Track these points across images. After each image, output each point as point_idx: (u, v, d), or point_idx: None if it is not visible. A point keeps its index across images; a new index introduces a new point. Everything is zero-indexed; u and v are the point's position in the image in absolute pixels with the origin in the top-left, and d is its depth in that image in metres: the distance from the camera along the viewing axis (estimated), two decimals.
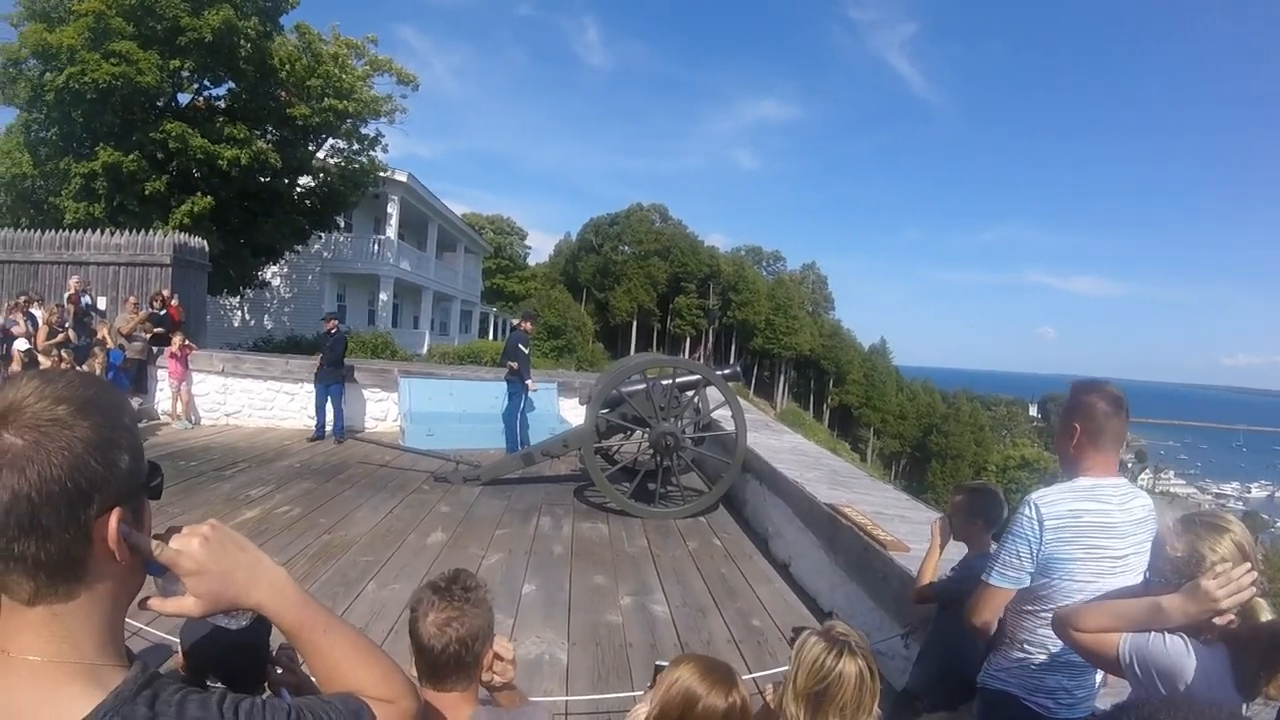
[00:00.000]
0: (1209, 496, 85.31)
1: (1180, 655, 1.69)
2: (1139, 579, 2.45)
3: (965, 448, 79.44)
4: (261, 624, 1.15)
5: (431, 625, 1.78)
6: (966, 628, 2.77)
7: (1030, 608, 2.54)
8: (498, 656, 1.94)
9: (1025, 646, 2.57)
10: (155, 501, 1.05)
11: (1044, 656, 2.52)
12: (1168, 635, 1.72)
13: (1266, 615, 1.68)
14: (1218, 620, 1.67)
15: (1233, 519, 1.79)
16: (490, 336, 48.62)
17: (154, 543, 1.01)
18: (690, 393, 8.92)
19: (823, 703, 2.04)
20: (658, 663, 2.32)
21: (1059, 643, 2.46)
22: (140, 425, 11.36)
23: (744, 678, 4.10)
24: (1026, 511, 2.46)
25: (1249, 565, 1.66)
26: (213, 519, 1.10)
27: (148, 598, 1.05)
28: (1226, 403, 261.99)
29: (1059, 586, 2.44)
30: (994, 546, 3.19)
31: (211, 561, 1.04)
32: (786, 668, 2.19)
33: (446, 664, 1.79)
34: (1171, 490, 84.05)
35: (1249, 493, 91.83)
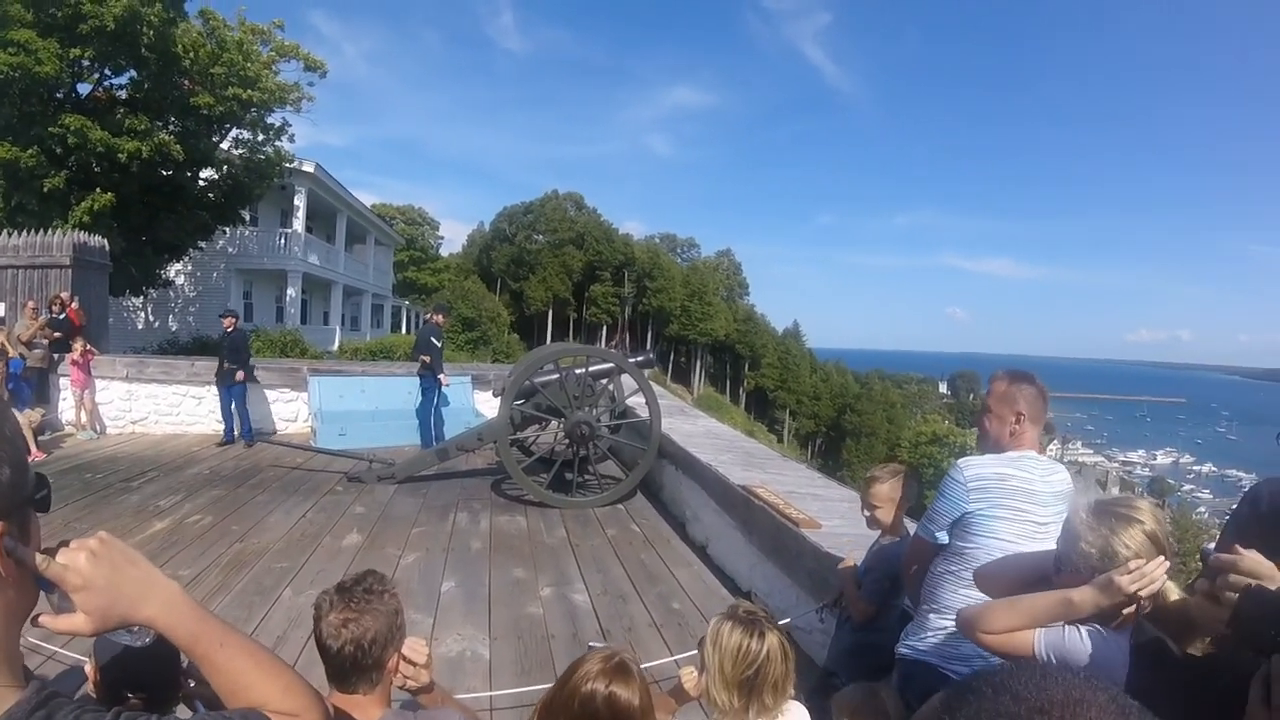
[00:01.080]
0: (1116, 464, 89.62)
1: (1099, 648, 1.71)
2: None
3: (878, 425, 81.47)
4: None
5: (328, 626, 1.78)
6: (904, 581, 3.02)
7: (954, 568, 2.67)
8: (407, 660, 1.94)
9: (943, 612, 2.67)
10: (44, 515, 1.02)
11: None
12: (1082, 629, 1.74)
13: (1175, 595, 1.71)
14: (1128, 610, 1.71)
15: (1144, 506, 1.78)
16: (403, 330, 47.70)
17: (39, 557, 0.97)
18: (604, 381, 8.95)
19: (755, 685, 2.07)
20: (591, 644, 2.33)
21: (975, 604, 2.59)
22: (45, 437, 10.90)
23: (665, 660, 4.17)
24: (953, 473, 2.65)
25: (1162, 558, 1.67)
26: (102, 532, 1.07)
27: (40, 615, 1.01)
28: (1130, 376, 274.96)
29: (983, 544, 2.56)
30: (909, 525, 3.33)
31: (99, 576, 1.01)
32: (695, 652, 2.21)
33: (344, 665, 1.79)
34: (1080, 460, 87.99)
35: (1154, 459, 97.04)
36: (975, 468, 2.61)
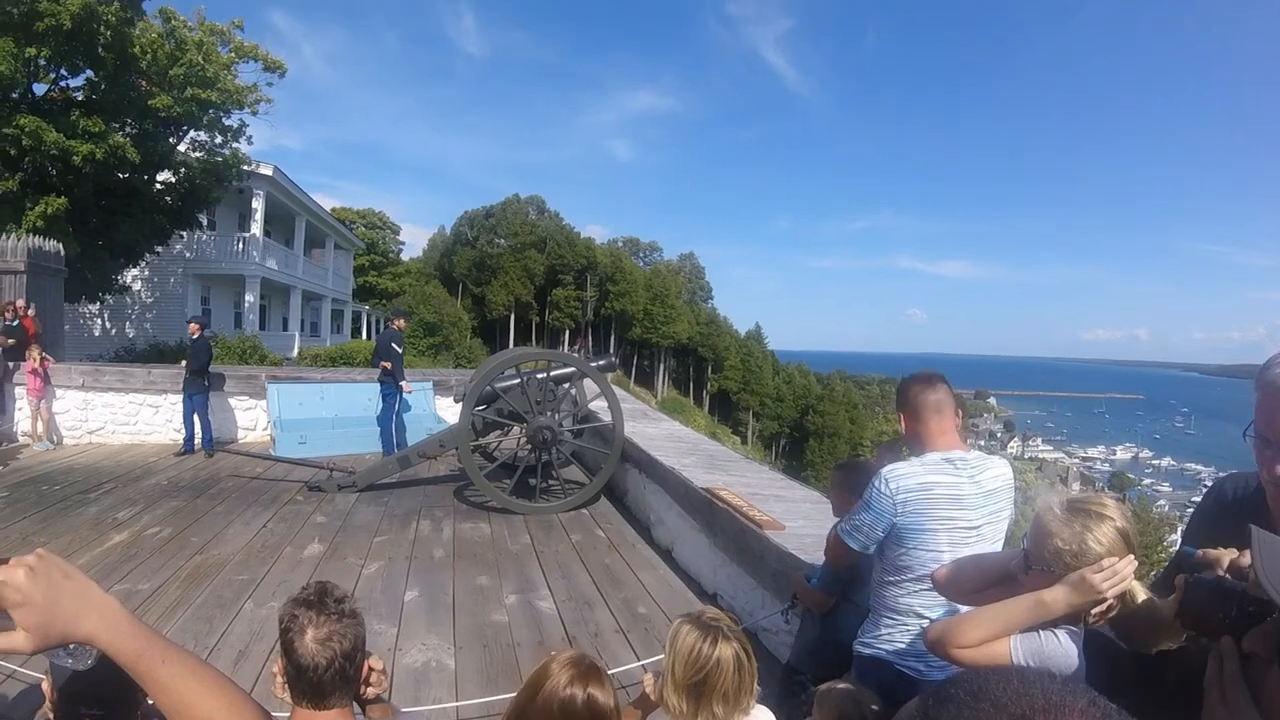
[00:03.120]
0: (1076, 460, 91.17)
1: (1076, 651, 1.69)
2: (993, 546, 2.60)
3: (841, 426, 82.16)
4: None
5: (312, 643, 1.72)
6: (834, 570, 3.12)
7: (892, 579, 2.70)
8: (370, 668, 1.92)
9: (893, 615, 2.70)
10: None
11: (912, 622, 2.65)
12: (1058, 632, 1.72)
13: (1143, 596, 1.69)
14: (1098, 609, 1.70)
15: (1112, 503, 1.78)
16: (363, 336, 47.27)
17: None
18: (566, 385, 8.92)
19: (704, 691, 2.06)
20: (555, 654, 2.32)
21: (925, 608, 2.61)
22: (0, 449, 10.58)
23: (632, 666, 4.15)
24: (879, 485, 2.64)
25: (1131, 557, 1.68)
26: (40, 548, 1.06)
27: None
28: (1088, 374, 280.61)
29: (916, 556, 2.60)
30: None
31: (37, 592, 0.99)
32: (663, 657, 2.20)
33: (330, 681, 1.73)
34: (1041, 456, 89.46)
35: (1114, 455, 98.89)
36: (899, 479, 2.62)
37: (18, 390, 11.56)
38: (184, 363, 11.41)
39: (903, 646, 2.67)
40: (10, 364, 11.40)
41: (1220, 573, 1.45)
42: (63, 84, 17.92)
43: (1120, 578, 1.67)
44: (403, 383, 11.10)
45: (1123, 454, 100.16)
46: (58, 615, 1.01)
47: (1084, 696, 0.69)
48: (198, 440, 11.27)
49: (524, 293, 79.21)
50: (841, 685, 2.51)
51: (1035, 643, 1.74)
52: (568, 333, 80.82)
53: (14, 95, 16.73)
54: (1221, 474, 2.05)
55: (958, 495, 2.59)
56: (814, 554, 4.44)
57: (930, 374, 2.78)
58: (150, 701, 1.70)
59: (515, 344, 71.23)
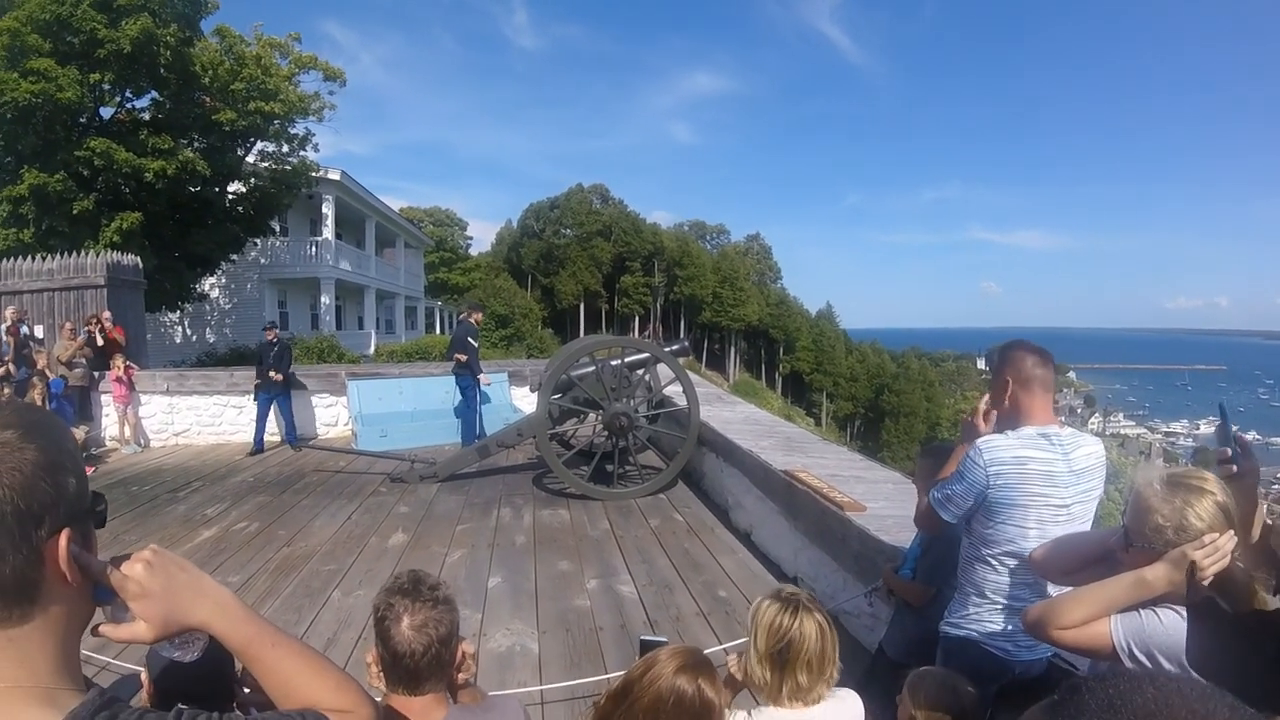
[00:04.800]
0: (1159, 436, 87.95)
1: (1178, 630, 1.66)
2: (1082, 526, 2.53)
3: (917, 404, 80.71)
4: (220, 647, 1.14)
5: (409, 629, 1.75)
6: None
7: (981, 552, 2.64)
8: (464, 653, 1.95)
9: (984, 592, 2.64)
10: (100, 530, 1.05)
11: (1000, 602, 2.59)
12: (1159, 611, 1.70)
13: (1273, 605, 1.64)
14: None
15: (1211, 477, 1.75)
16: (437, 331, 48.08)
17: (106, 564, 1.02)
18: (640, 371, 8.94)
19: (788, 659, 2.07)
20: (643, 637, 2.32)
21: (1012, 587, 2.56)
22: (89, 453, 11.08)
23: (714, 649, 4.15)
24: (973, 455, 2.57)
25: (1231, 532, 1.66)
26: (153, 544, 1.11)
27: (99, 625, 1.05)
28: (1170, 344, 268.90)
29: (1004, 530, 2.54)
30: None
31: (156, 584, 1.04)
32: (744, 639, 2.21)
33: (427, 667, 1.76)
34: (1122, 432, 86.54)
35: (1198, 429, 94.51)
36: (995, 451, 2.54)
37: (104, 398, 12.09)
38: (272, 371, 11.60)
39: (991, 627, 2.61)
40: (95, 373, 11.94)
41: None
42: (129, 105, 18.62)
43: (1222, 554, 1.64)
44: (481, 375, 11.25)
45: (1206, 428, 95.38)
46: (175, 605, 1.06)
47: (1225, 704, 0.65)
48: (280, 436, 11.70)
49: (592, 281, 79.57)
50: (936, 671, 2.47)
51: (1136, 622, 1.72)
52: (637, 319, 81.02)
53: (82, 120, 17.43)
54: None
55: (1050, 472, 2.51)
56: (896, 535, 4.37)
57: (1044, 349, 2.66)
58: (246, 690, 1.75)
59: (585, 332, 71.73)
